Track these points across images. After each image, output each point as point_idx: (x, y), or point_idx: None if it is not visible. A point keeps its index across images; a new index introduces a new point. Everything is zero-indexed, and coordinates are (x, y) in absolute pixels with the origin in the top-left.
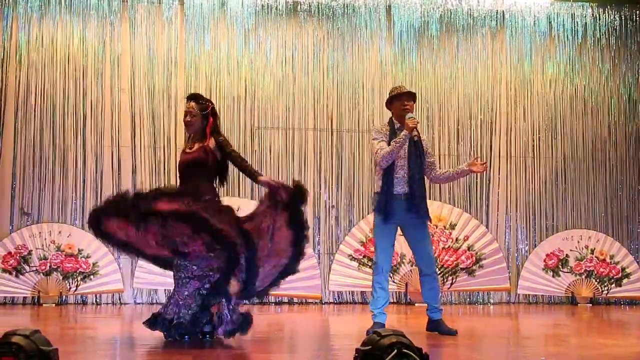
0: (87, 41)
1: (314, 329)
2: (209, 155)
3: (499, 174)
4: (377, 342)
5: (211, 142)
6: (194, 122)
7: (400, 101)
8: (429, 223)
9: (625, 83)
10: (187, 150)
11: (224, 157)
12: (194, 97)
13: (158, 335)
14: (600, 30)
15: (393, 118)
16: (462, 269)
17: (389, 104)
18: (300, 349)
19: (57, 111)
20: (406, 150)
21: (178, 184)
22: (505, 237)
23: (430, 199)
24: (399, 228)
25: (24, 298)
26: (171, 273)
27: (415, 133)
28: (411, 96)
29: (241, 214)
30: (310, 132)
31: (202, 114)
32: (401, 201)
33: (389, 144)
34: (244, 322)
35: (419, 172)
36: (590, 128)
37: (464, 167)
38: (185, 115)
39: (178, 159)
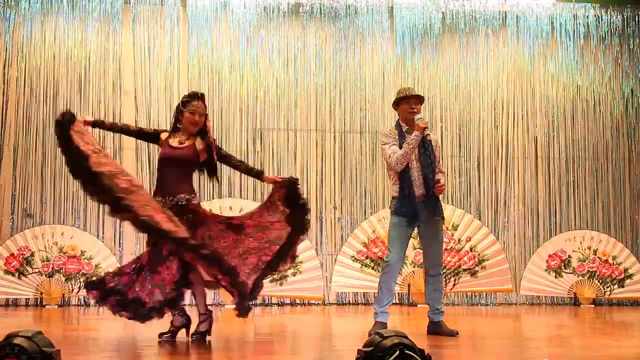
0: (89, 42)
1: (316, 330)
2: (197, 156)
3: (501, 174)
4: (379, 343)
5: (198, 142)
6: (200, 122)
7: (408, 104)
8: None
9: (627, 83)
10: (176, 145)
11: (220, 159)
12: (202, 97)
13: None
14: (602, 31)
15: (400, 120)
16: (464, 270)
17: (396, 105)
18: (303, 349)
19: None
20: (416, 152)
21: (159, 175)
22: (507, 238)
23: None
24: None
25: (27, 299)
26: None
27: (428, 132)
28: (419, 99)
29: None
30: (313, 133)
31: (205, 114)
32: (420, 202)
33: (400, 147)
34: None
35: (431, 171)
36: (592, 128)
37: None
38: (194, 114)
39: (161, 150)
